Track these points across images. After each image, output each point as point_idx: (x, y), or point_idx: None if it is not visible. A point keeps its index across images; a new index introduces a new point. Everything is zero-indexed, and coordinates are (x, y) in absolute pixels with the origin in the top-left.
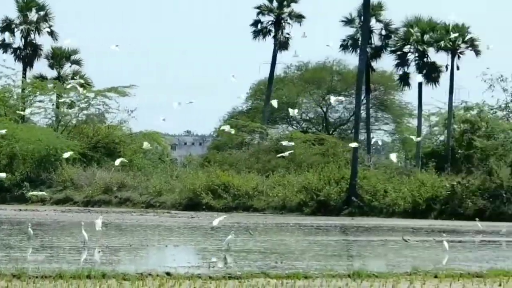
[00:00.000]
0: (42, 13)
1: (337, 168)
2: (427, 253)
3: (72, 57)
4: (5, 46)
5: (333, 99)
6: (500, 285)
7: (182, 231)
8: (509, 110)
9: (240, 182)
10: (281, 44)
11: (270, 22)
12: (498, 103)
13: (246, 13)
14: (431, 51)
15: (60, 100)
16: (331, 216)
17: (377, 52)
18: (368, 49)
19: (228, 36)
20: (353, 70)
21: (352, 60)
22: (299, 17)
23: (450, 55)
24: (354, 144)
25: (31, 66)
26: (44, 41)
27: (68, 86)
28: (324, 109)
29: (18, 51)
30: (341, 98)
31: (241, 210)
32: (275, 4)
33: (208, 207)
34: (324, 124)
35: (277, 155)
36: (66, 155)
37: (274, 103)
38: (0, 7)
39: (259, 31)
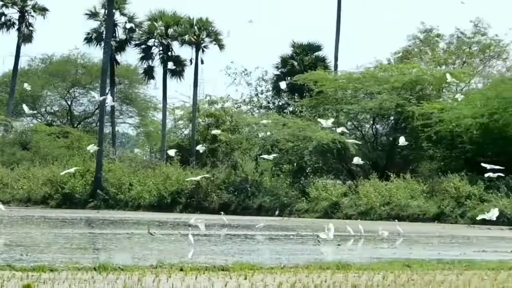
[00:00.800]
0: None
1: (82, 161)
2: (173, 246)
3: None
4: None
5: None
6: (245, 278)
7: None
8: (253, 104)
9: None
10: (25, 37)
11: (14, 15)
12: (242, 97)
13: None
14: (175, 45)
15: None
16: (77, 209)
17: (121, 46)
18: (113, 42)
19: None
20: (98, 63)
21: (96, 53)
22: (43, 10)
23: (194, 49)
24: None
25: None
26: None
27: None
28: (69, 102)
29: None
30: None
31: None
32: None
33: None
34: (69, 117)
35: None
36: None
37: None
38: None
39: (3, 24)
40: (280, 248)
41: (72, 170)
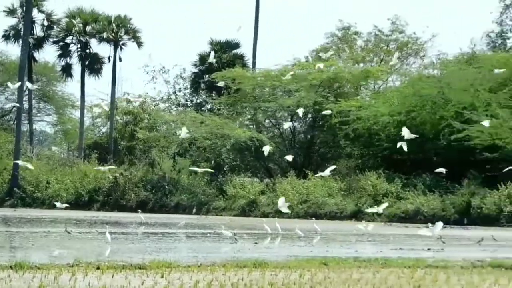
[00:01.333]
0: None
1: None
2: (90, 244)
3: None
4: None
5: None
6: (162, 276)
7: None
8: (171, 102)
9: None
10: None
11: None
12: (160, 94)
13: None
14: (93, 42)
15: None
16: None
17: (39, 43)
18: (31, 40)
19: None
20: (15, 60)
21: (14, 50)
22: None
23: (112, 46)
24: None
25: None
26: None
27: None
28: None
29: None
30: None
31: None
32: None
33: None
34: None
35: None
36: None
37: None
38: None
39: None
40: (197, 246)
41: (106, 168)
